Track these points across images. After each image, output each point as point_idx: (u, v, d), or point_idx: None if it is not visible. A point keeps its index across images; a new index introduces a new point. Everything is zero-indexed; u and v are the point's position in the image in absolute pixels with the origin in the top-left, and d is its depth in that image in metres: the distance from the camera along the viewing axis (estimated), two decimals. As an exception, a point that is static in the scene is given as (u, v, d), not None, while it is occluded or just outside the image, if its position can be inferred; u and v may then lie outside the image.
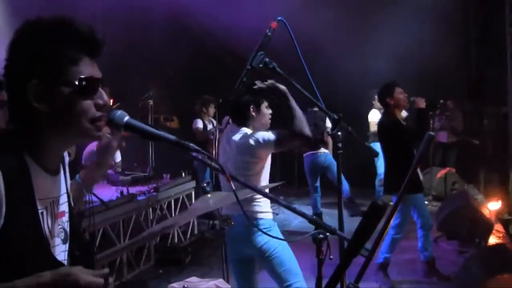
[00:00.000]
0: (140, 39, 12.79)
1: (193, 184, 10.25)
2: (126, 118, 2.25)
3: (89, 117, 2.18)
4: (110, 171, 9.46)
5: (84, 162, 9.23)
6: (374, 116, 11.88)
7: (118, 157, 10.04)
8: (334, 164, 10.94)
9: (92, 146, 9.53)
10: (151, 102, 10.73)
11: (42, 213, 2.19)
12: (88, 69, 2.20)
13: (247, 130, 5.11)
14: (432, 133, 2.25)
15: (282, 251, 4.99)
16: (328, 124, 10.53)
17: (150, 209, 8.72)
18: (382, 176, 12.42)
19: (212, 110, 11.72)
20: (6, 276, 1.99)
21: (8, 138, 2.18)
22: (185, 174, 10.18)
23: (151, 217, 8.86)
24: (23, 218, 2.11)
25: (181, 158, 9.66)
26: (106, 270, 2.13)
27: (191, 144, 2.24)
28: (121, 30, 10.38)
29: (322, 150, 11.04)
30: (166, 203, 9.40)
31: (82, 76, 2.15)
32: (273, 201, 2.47)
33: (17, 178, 2.10)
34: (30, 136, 2.18)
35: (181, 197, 9.90)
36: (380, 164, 12.38)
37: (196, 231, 10.41)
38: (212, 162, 2.33)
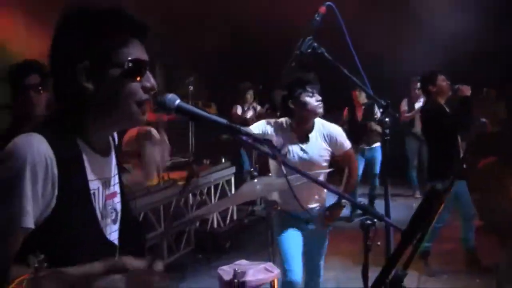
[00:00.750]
0: (179, 24, 12.80)
1: (232, 170, 10.28)
2: (178, 101, 2.24)
3: (136, 99, 2.20)
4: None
5: (124, 148, 9.28)
6: (404, 106, 11.89)
7: (158, 142, 10.08)
8: None
9: (132, 132, 9.59)
10: (191, 88, 10.73)
11: (94, 193, 2.23)
12: (137, 51, 2.22)
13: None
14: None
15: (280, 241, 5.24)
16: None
17: (190, 194, 8.75)
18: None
19: (250, 96, 11.73)
20: (60, 256, 2.01)
21: (59, 121, 2.21)
22: (224, 160, 10.19)
23: (191, 202, 8.90)
24: (76, 198, 2.14)
25: (221, 144, 9.74)
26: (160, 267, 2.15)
27: (243, 128, 2.22)
28: (159, 16, 10.42)
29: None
30: (206, 189, 9.44)
31: (130, 58, 2.17)
32: (322, 186, 2.45)
33: (70, 160, 2.13)
34: (79, 119, 2.21)
35: (220, 183, 9.93)
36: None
37: (235, 217, 10.43)
38: (262, 146, 2.32)
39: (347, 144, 5.40)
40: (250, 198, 3.95)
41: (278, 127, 5.23)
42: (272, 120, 5.27)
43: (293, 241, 5.25)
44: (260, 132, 5.12)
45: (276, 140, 4.37)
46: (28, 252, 1.81)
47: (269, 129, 5.19)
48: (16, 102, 4.88)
